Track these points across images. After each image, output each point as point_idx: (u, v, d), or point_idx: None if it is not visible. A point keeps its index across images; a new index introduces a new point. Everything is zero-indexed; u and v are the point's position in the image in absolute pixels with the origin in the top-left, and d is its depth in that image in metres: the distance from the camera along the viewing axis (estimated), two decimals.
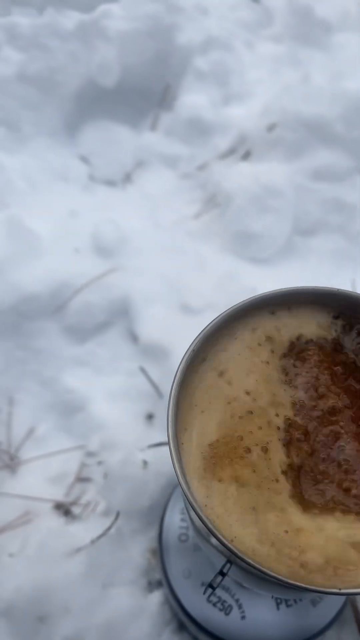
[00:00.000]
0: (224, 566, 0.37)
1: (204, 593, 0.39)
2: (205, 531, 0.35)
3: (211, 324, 0.37)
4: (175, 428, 0.31)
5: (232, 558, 0.35)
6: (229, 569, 0.37)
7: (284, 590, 0.36)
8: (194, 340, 0.35)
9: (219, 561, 0.38)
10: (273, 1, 1.25)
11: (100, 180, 1.25)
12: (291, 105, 1.04)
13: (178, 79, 1.25)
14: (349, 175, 1.01)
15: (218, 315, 0.38)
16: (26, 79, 1.21)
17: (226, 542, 0.29)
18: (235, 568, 0.37)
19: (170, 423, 0.32)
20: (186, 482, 0.31)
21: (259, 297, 0.38)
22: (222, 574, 0.38)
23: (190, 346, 0.34)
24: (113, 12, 1.19)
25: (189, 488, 0.31)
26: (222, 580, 0.38)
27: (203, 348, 0.37)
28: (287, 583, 0.28)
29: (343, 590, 0.28)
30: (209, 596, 0.53)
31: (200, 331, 0.37)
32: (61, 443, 0.91)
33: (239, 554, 0.29)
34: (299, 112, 1.03)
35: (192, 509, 0.30)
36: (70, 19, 1.21)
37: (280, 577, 0.29)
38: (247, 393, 0.38)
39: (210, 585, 0.38)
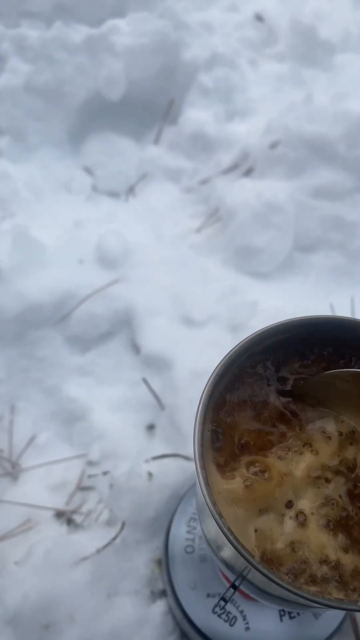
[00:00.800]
0: (236, 579, 0.39)
1: (216, 606, 0.40)
2: (220, 542, 0.36)
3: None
4: (202, 450, 0.33)
5: (246, 571, 0.37)
6: (241, 582, 0.38)
7: (294, 604, 0.37)
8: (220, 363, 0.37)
9: (229, 574, 0.40)
10: (277, 21, 1.27)
11: (104, 192, 1.27)
12: (294, 123, 1.07)
13: (182, 94, 1.27)
14: (350, 194, 1.04)
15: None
16: (33, 90, 1.23)
17: (248, 557, 0.30)
18: (247, 582, 0.38)
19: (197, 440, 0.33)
20: (210, 494, 0.32)
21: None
22: (234, 587, 0.39)
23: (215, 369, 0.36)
24: (120, 27, 1.21)
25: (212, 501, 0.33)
26: (234, 593, 0.39)
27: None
28: (305, 597, 0.30)
29: None
30: (214, 607, 0.55)
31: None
32: (62, 451, 0.93)
33: (262, 569, 0.30)
34: (301, 130, 1.06)
35: (217, 522, 0.31)
36: (79, 33, 1.23)
37: (300, 592, 0.30)
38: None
39: (223, 599, 0.39)
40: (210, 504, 0.31)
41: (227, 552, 0.38)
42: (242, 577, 0.38)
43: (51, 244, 1.08)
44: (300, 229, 1.06)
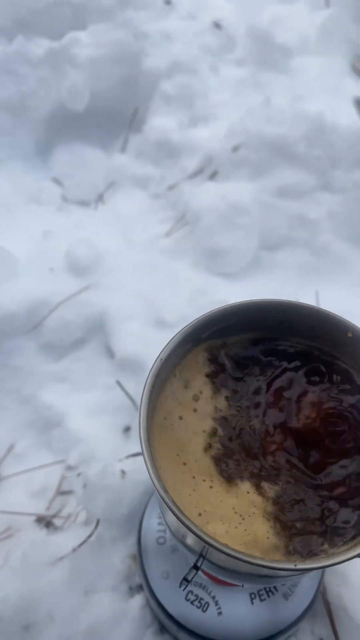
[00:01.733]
0: (197, 560, 0.40)
1: (180, 586, 0.41)
2: (181, 530, 0.38)
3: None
4: (147, 434, 0.35)
5: (205, 551, 0.39)
6: (202, 562, 0.40)
7: (251, 577, 0.39)
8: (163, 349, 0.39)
9: (194, 557, 0.41)
10: (235, 27, 1.31)
11: (73, 201, 1.28)
12: (254, 126, 1.09)
13: (146, 102, 1.29)
14: (311, 193, 1.07)
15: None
16: None
17: (196, 530, 0.32)
18: (208, 562, 0.40)
19: (142, 426, 0.35)
20: (159, 481, 0.34)
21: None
22: (196, 567, 0.41)
23: (159, 355, 0.38)
24: (81, 39, 1.23)
25: (162, 487, 0.34)
26: (196, 573, 0.41)
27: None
28: (247, 561, 0.31)
29: (298, 567, 0.32)
30: (187, 594, 0.56)
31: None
32: (41, 458, 0.93)
33: (210, 541, 0.32)
34: (262, 133, 1.08)
35: (166, 505, 0.33)
36: (40, 46, 1.25)
37: (244, 557, 0.32)
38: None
39: (185, 579, 0.40)
40: (154, 478, 0.32)
41: (186, 535, 0.39)
42: (201, 556, 0.39)
43: (22, 255, 1.09)
44: (266, 229, 1.09)
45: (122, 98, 1.31)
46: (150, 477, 0.32)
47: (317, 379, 0.46)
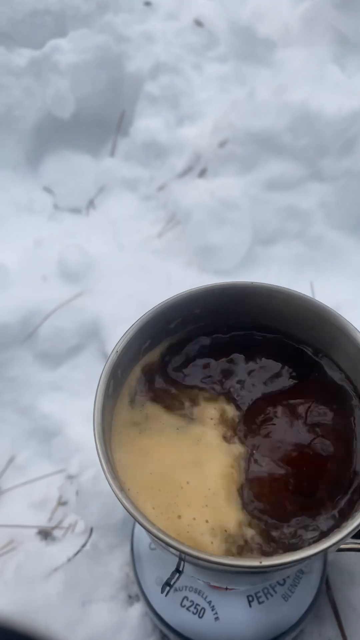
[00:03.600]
0: (178, 563, 0.38)
1: (162, 591, 0.40)
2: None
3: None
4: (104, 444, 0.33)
5: (182, 555, 0.37)
6: (184, 565, 0.38)
7: (233, 578, 0.38)
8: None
9: (175, 561, 0.39)
10: (216, 24, 1.29)
11: (65, 209, 1.28)
12: (239, 120, 1.08)
13: (132, 105, 1.29)
14: (301, 183, 1.05)
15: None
16: None
17: (157, 532, 0.30)
18: (189, 564, 0.38)
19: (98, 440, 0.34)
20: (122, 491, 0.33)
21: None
22: (178, 571, 0.39)
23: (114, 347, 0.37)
24: (62, 46, 1.23)
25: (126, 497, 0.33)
26: (178, 577, 0.39)
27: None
28: (217, 563, 0.30)
29: (264, 563, 0.30)
30: (182, 600, 0.54)
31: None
32: (42, 469, 0.92)
33: (166, 538, 0.30)
34: (247, 126, 1.07)
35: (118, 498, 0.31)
36: (22, 56, 1.24)
37: (217, 559, 0.30)
38: None
39: (167, 583, 0.39)
40: (110, 479, 0.31)
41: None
42: (181, 559, 0.38)
43: (14, 264, 1.08)
44: (258, 223, 1.07)
45: (108, 102, 1.30)
46: (105, 474, 0.31)
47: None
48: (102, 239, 1.15)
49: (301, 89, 1.08)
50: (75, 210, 1.26)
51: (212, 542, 0.37)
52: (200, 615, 0.54)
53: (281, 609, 0.55)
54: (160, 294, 1.04)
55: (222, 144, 1.10)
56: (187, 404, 0.45)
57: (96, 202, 1.25)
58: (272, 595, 0.55)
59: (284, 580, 0.55)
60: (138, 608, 0.62)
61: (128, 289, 1.05)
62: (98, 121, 1.32)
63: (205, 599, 0.55)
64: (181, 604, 0.55)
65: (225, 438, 0.43)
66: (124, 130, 1.29)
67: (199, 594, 0.55)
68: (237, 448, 0.42)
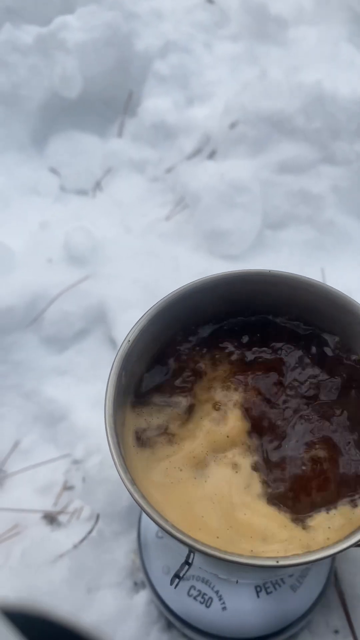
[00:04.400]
0: (188, 556, 0.37)
1: (171, 583, 0.39)
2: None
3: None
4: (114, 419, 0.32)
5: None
6: (193, 558, 0.37)
7: (244, 572, 0.37)
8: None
9: (185, 552, 0.38)
10: (227, 1, 1.26)
11: (71, 190, 1.26)
12: (251, 101, 1.05)
13: (140, 84, 1.26)
14: (313, 166, 1.02)
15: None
16: None
17: (168, 528, 0.29)
18: (199, 556, 0.37)
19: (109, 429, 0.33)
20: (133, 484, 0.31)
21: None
22: (187, 563, 0.38)
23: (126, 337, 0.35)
24: (70, 23, 1.20)
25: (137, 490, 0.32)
26: (188, 569, 0.38)
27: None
28: (231, 561, 0.29)
29: (280, 563, 0.29)
30: (189, 590, 0.54)
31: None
32: (47, 453, 0.92)
33: (183, 538, 0.29)
34: (259, 108, 1.04)
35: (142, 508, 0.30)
36: (29, 34, 1.22)
37: (232, 558, 0.29)
38: None
39: (177, 575, 0.38)
40: (122, 473, 0.30)
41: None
42: (191, 551, 0.37)
43: (19, 247, 1.07)
44: (268, 207, 1.05)
45: (116, 82, 1.27)
46: (116, 467, 0.30)
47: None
48: (109, 222, 1.13)
49: (314, 69, 1.06)
50: (82, 192, 1.24)
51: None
52: (208, 604, 0.53)
53: (289, 600, 0.54)
54: (168, 278, 1.03)
55: (233, 126, 1.08)
56: (200, 393, 0.44)
57: (103, 184, 1.23)
58: (280, 586, 0.54)
59: (293, 572, 0.54)
60: (144, 595, 0.62)
61: (135, 273, 1.04)
62: (105, 101, 1.30)
63: (212, 588, 0.54)
64: (188, 593, 0.54)
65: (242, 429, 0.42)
66: (131, 111, 1.27)
67: (206, 583, 0.54)
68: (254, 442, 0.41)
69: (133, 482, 0.30)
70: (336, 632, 0.63)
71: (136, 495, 0.30)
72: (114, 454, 0.30)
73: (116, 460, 0.30)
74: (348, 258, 0.98)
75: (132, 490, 0.30)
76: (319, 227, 1.02)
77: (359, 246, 1.00)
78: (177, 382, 0.44)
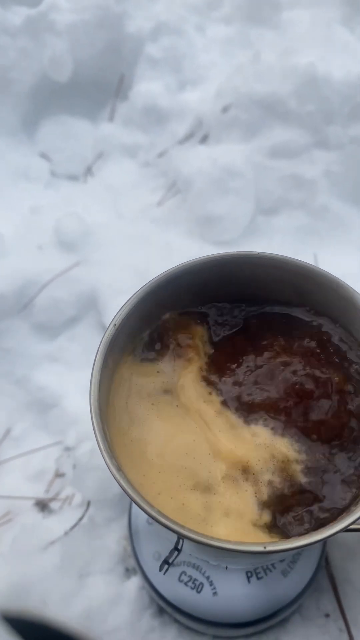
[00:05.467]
0: (177, 542, 0.37)
1: (160, 570, 0.39)
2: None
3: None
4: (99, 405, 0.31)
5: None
6: (182, 544, 0.37)
7: (232, 558, 0.36)
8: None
9: (174, 538, 0.38)
10: None
11: (62, 176, 1.24)
12: (244, 85, 1.04)
13: (132, 67, 1.24)
14: (306, 151, 1.01)
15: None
16: None
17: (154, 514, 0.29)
18: (188, 542, 0.37)
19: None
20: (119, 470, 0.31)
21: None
22: (177, 549, 0.38)
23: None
24: (60, 4, 1.18)
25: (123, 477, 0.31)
26: (177, 555, 0.38)
27: None
28: (224, 548, 0.28)
29: (268, 549, 0.29)
30: (180, 575, 0.54)
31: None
32: (39, 440, 0.91)
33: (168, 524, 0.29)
34: (251, 91, 1.03)
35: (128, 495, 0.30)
36: (18, 15, 1.19)
37: (220, 544, 0.29)
38: None
39: (166, 561, 0.38)
40: (107, 458, 0.29)
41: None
42: (181, 538, 0.36)
43: (9, 233, 1.06)
44: (261, 192, 1.04)
45: (107, 65, 1.25)
46: (101, 452, 0.29)
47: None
48: (100, 207, 1.12)
49: (308, 52, 1.04)
50: (73, 178, 1.23)
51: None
52: (199, 590, 0.53)
53: (280, 585, 0.54)
54: (160, 264, 1.01)
55: (225, 109, 1.06)
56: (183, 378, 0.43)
57: (94, 169, 1.21)
58: (271, 571, 0.54)
59: (284, 557, 0.54)
60: (135, 581, 0.62)
61: (127, 259, 1.03)
62: (97, 85, 1.28)
63: (203, 574, 0.54)
64: (179, 579, 0.54)
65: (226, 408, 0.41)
66: (123, 95, 1.25)
67: (197, 569, 0.54)
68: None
69: (119, 468, 0.30)
70: (327, 615, 0.63)
71: (122, 482, 0.29)
72: (99, 439, 0.30)
73: (101, 445, 0.30)
74: (341, 244, 0.98)
75: (117, 476, 0.29)
76: (312, 213, 1.01)
77: (352, 231, 0.99)
78: (162, 364, 0.43)
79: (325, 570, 0.62)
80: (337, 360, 0.44)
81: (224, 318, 0.47)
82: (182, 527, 0.30)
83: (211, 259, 0.43)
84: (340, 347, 0.46)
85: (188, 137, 1.14)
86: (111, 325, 0.36)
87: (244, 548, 0.30)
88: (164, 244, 1.05)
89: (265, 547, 0.29)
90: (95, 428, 0.31)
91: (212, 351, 0.46)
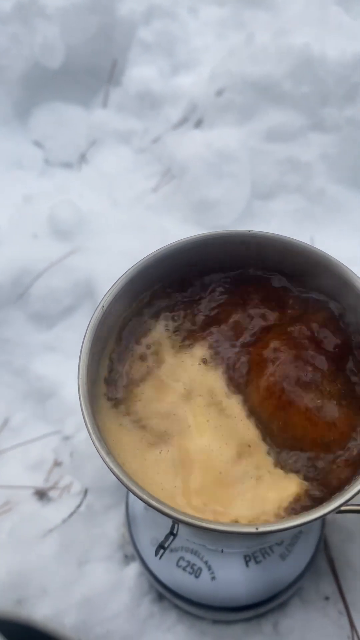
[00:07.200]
0: (172, 526, 0.37)
1: (156, 554, 0.38)
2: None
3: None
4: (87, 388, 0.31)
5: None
6: (177, 528, 0.37)
7: (227, 541, 0.36)
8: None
9: (169, 523, 0.38)
10: None
11: (56, 164, 1.23)
12: (238, 67, 1.03)
13: (124, 52, 1.22)
14: (302, 133, 1.00)
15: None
16: None
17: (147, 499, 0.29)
18: (182, 526, 0.36)
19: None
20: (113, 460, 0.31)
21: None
22: (172, 534, 0.38)
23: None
24: None
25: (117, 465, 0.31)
26: (173, 540, 0.37)
27: None
28: (215, 530, 0.28)
29: (260, 530, 0.28)
30: (178, 560, 0.53)
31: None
32: (38, 430, 0.91)
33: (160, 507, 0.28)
34: (245, 73, 1.01)
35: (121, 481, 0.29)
36: (7, 0, 1.17)
37: (211, 526, 0.29)
38: None
39: (161, 546, 0.37)
40: (95, 439, 0.29)
41: None
42: (176, 523, 0.36)
43: (4, 222, 1.05)
44: (257, 176, 1.03)
45: (99, 50, 1.24)
46: (90, 437, 0.29)
47: None
48: (95, 195, 1.11)
49: (302, 32, 1.02)
50: (67, 165, 1.22)
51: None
52: (197, 575, 0.53)
53: (279, 568, 0.54)
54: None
55: (219, 93, 1.05)
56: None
57: (88, 156, 1.20)
58: (269, 555, 0.54)
59: (281, 540, 0.54)
60: (134, 568, 0.62)
61: (122, 246, 1.02)
62: (89, 70, 1.26)
63: (201, 559, 0.54)
64: (177, 564, 0.54)
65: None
66: (116, 80, 1.23)
67: (195, 554, 0.54)
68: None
69: (109, 452, 0.29)
70: (327, 598, 0.63)
71: (112, 465, 0.29)
72: (88, 423, 0.30)
73: (90, 430, 0.29)
74: (338, 227, 0.97)
75: (107, 459, 0.29)
76: (309, 196, 1.00)
77: (349, 214, 0.98)
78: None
79: (324, 553, 0.62)
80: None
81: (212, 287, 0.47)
82: (174, 509, 0.30)
83: (201, 237, 0.42)
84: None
85: (182, 122, 1.12)
86: (99, 307, 0.36)
87: (236, 529, 0.29)
88: (159, 230, 1.04)
89: (257, 529, 0.29)
90: (85, 413, 0.31)
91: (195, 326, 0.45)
